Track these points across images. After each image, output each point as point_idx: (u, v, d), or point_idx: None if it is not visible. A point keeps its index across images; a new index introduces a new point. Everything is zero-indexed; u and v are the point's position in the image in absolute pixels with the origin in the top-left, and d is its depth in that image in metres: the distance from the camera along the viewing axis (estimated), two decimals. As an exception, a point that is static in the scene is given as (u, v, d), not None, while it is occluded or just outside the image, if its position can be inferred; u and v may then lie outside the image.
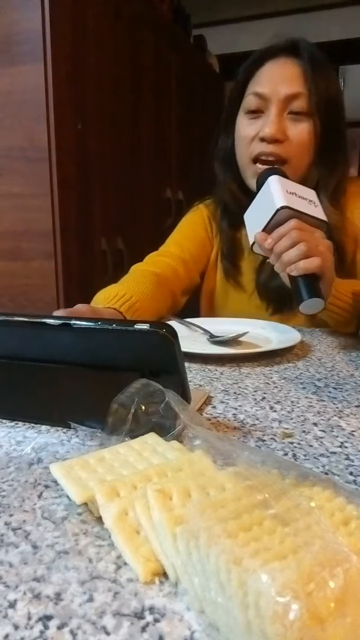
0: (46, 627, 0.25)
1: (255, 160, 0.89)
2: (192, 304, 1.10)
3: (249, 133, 0.90)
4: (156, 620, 0.25)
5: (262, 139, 0.87)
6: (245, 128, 0.91)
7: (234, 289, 1.06)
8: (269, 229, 0.70)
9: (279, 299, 0.96)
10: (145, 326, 0.41)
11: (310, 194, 0.73)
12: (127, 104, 1.79)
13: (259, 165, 0.89)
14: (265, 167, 0.85)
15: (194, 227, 1.09)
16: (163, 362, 0.43)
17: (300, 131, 0.87)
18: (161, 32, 2.04)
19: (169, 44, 2.11)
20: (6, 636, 0.24)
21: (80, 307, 0.70)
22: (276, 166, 0.84)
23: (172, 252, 1.03)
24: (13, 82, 1.40)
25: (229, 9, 3.11)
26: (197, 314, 1.01)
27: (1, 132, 1.44)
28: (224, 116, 0.98)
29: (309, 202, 0.71)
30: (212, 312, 1.11)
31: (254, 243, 0.73)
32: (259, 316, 0.98)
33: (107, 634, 0.24)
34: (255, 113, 0.89)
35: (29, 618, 0.25)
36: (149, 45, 1.92)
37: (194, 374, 0.67)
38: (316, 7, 3.01)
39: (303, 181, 0.88)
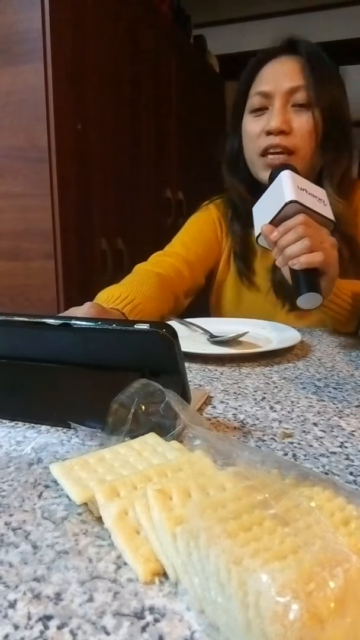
0: (46, 627, 0.25)
1: (264, 154, 0.91)
2: (201, 305, 1.09)
3: (256, 129, 0.92)
4: (156, 620, 0.25)
5: (269, 132, 0.89)
6: (251, 125, 0.93)
7: (248, 290, 1.05)
8: (275, 222, 0.70)
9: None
10: (145, 326, 0.41)
11: (321, 192, 0.74)
12: (127, 104, 1.78)
13: (269, 157, 0.90)
14: (276, 156, 0.89)
15: (201, 228, 1.08)
16: (163, 362, 0.43)
17: (304, 122, 0.89)
18: (161, 32, 2.04)
19: (169, 44, 2.10)
20: (6, 636, 0.24)
21: (90, 309, 0.67)
22: (289, 163, 0.85)
23: (178, 252, 1.02)
24: (13, 82, 1.40)
25: (229, 9, 3.10)
26: (206, 314, 0.99)
27: (1, 132, 1.44)
28: (230, 120, 1.00)
29: (318, 200, 0.72)
30: (223, 313, 1.10)
31: (259, 235, 0.73)
32: (275, 315, 0.97)
33: (107, 634, 0.24)
34: (260, 110, 0.92)
35: (29, 618, 0.25)
36: (149, 45, 1.92)
37: (194, 374, 0.67)
38: (316, 7, 3.00)
39: (309, 170, 0.90)
